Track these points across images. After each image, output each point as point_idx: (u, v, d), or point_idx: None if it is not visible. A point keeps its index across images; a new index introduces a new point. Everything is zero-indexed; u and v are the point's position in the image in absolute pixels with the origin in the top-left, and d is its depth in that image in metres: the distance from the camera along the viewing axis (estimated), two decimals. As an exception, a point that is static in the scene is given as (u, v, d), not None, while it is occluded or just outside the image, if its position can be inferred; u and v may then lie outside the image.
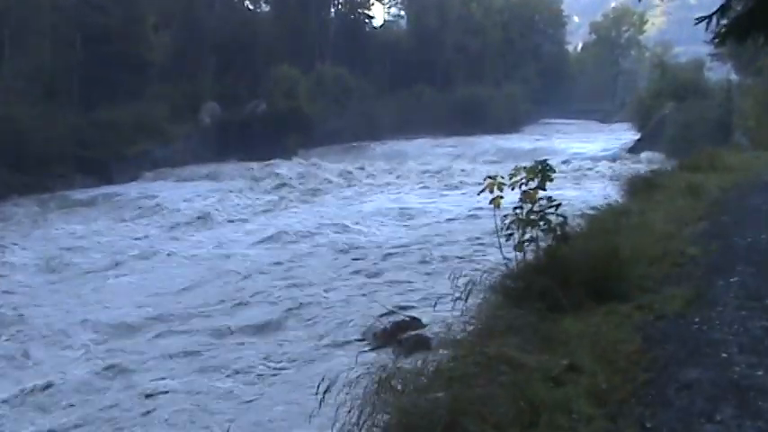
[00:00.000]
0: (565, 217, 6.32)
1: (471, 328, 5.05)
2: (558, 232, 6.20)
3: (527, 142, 51.26)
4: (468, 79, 72.23)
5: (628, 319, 5.18)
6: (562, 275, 5.57)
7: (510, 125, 67.87)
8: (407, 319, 11.42)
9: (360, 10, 72.39)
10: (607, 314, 5.26)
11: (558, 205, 6.24)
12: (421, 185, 32.30)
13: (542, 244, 6.33)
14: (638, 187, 11.23)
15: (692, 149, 32.80)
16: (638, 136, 45.04)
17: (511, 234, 6.28)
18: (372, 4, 77.97)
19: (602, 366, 4.27)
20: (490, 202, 6.16)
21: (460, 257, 14.41)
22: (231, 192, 30.51)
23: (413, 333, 10.58)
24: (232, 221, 24.78)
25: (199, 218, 25.19)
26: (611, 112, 79.11)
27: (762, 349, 4.48)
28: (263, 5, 67.19)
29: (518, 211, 6.20)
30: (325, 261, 16.40)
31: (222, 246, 20.03)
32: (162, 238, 22.39)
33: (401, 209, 24.03)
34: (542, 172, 6.12)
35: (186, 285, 15.29)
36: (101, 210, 28.75)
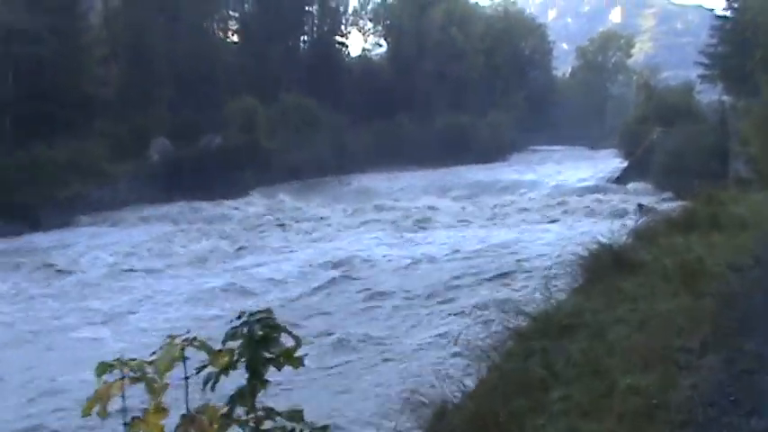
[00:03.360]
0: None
1: None
2: None
3: (507, 173, 47.79)
4: (452, 108, 68.97)
5: None
6: None
7: (495, 154, 64.69)
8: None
9: (334, 38, 69.23)
10: None
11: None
12: (371, 232, 28.25)
13: None
14: (603, 267, 7.28)
15: (685, 180, 29.38)
16: (624, 164, 41.45)
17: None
18: (349, 33, 75.23)
19: None
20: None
21: None
22: (150, 243, 26.44)
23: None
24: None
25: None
26: (600, 138, 76.28)
27: None
28: (232, 35, 64.26)
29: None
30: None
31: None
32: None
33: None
34: (250, 349, 2.15)
35: None
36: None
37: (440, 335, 12.53)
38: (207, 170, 41.31)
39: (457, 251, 21.14)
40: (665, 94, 45.50)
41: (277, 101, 51.45)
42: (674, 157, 34.51)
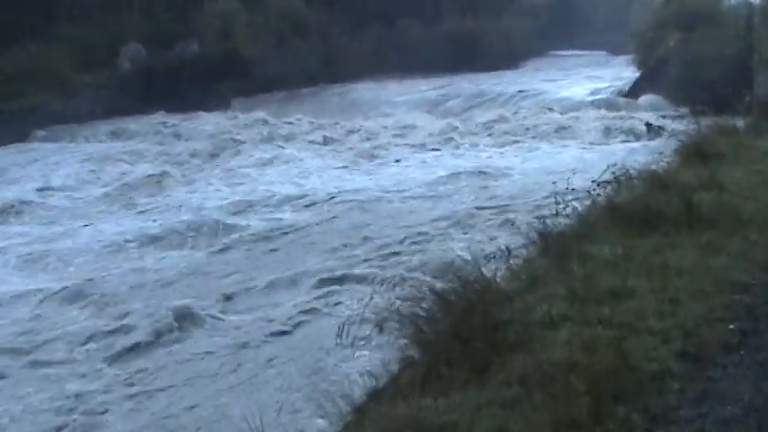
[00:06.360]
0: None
1: None
2: None
3: (512, 83, 43.90)
4: (463, 11, 64.11)
5: None
6: None
7: (507, 60, 60.22)
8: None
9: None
10: None
11: None
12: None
13: None
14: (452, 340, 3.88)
15: (703, 95, 25.96)
16: (637, 74, 37.61)
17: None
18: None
19: None
20: None
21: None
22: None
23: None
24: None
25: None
26: (622, 44, 71.19)
27: None
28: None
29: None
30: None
31: None
32: None
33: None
34: None
35: None
36: None
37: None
38: (181, 80, 38.12)
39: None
40: (685, -5, 40.76)
41: (261, 4, 47.42)
42: (692, 68, 30.86)
